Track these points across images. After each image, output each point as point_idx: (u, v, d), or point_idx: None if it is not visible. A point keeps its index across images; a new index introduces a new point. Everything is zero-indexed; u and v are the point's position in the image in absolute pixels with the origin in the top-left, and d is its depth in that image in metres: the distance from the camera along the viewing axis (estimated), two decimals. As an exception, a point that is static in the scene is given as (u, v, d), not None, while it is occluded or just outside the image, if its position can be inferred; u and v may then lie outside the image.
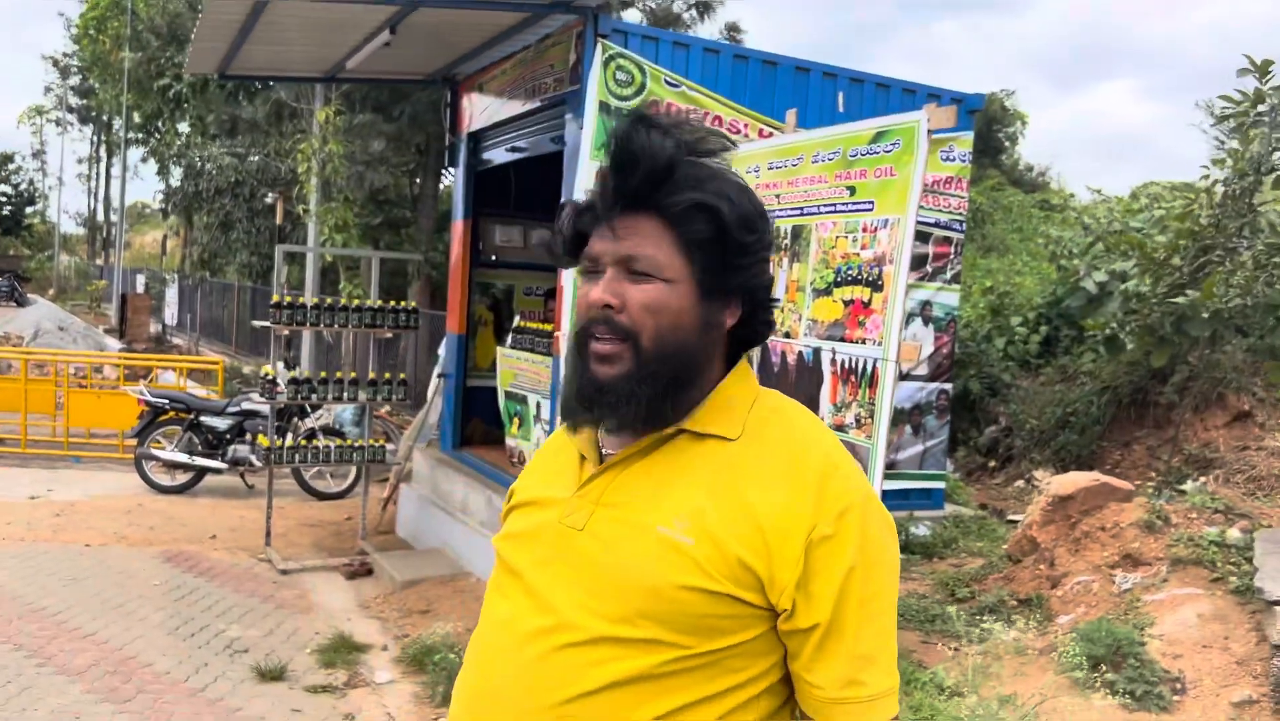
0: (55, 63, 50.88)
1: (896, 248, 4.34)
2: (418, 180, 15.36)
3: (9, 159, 60.25)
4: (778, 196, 5.04)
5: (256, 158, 16.64)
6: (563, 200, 1.39)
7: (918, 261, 6.68)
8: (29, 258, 54.75)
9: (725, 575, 1.21)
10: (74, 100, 51.80)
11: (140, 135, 25.33)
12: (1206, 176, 7.05)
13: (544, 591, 1.29)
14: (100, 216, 56.86)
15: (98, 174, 56.47)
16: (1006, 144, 35.39)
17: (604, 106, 5.89)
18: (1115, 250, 7.94)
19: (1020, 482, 8.57)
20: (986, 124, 33.49)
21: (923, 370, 6.88)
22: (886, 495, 6.96)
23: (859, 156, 4.61)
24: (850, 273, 4.59)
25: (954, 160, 6.86)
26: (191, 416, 9.37)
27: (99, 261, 50.99)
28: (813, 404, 4.62)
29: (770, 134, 6.09)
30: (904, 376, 6.83)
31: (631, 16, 16.44)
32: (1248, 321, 7.14)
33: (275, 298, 7.27)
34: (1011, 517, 7.35)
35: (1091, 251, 8.13)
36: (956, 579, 5.73)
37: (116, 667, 5.16)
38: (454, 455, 8.03)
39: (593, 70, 5.86)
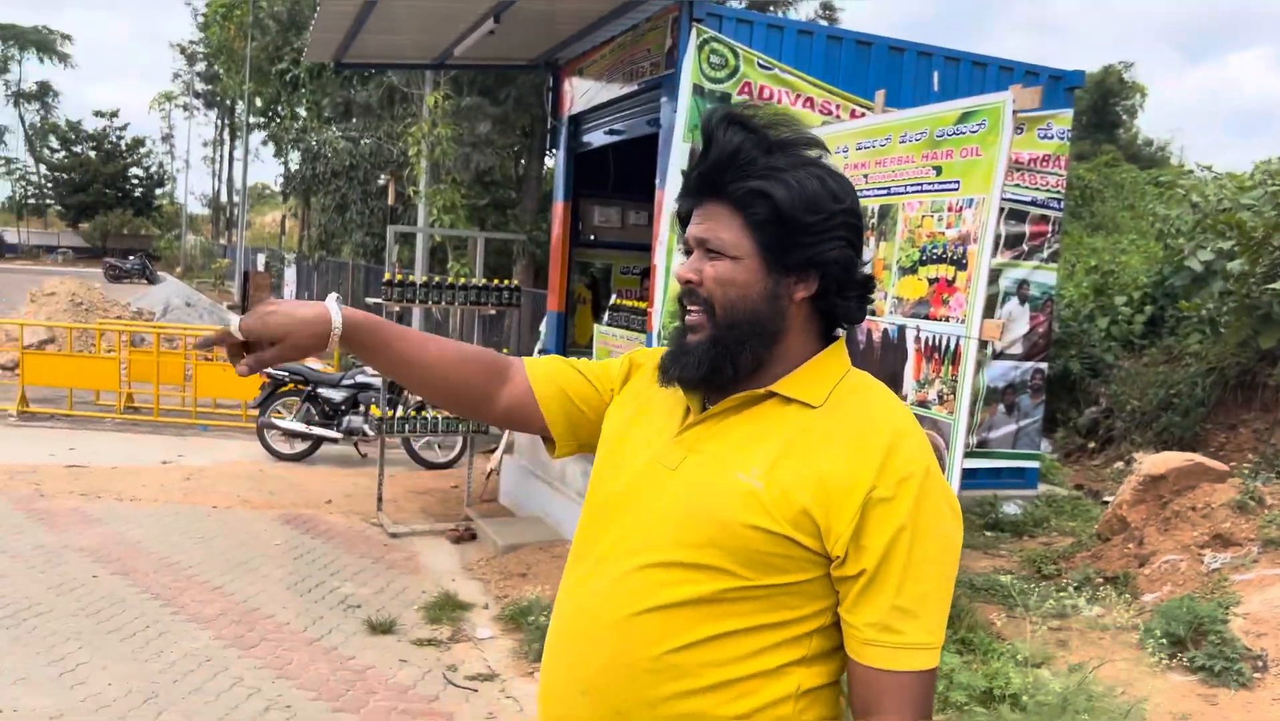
0: (182, 50, 53.04)
1: (981, 227, 4.42)
2: (522, 161, 15.72)
3: (140, 143, 63.29)
4: (865, 176, 5.14)
5: (369, 141, 17.22)
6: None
7: (1014, 240, 6.68)
8: (158, 237, 57.49)
9: (787, 520, 1.37)
10: (200, 86, 53.95)
11: (261, 120, 26.35)
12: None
13: (631, 520, 1.49)
14: (223, 197, 59.24)
15: (221, 157, 58.87)
16: (1124, 118, 34.23)
17: (698, 90, 6.05)
18: (1216, 230, 7.78)
19: (1120, 464, 8.47)
20: (1103, 97, 32.49)
21: (1017, 349, 6.88)
22: (976, 472, 7.01)
23: (945, 137, 4.69)
24: (935, 251, 4.68)
25: (1052, 138, 6.80)
26: (309, 388, 9.88)
27: (222, 241, 53.15)
28: (896, 380, 4.74)
29: (862, 114, 6.17)
30: (998, 355, 6.85)
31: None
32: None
33: (387, 276, 7.63)
34: (1106, 499, 7.30)
35: (1198, 230, 7.95)
36: (1044, 556, 5.77)
37: (241, 618, 5.59)
38: (554, 428, 8.31)
39: (687, 54, 6.02)
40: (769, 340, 1.47)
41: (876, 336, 4.99)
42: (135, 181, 63.14)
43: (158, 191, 65.35)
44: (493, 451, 9.14)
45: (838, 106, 6.35)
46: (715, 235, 1.45)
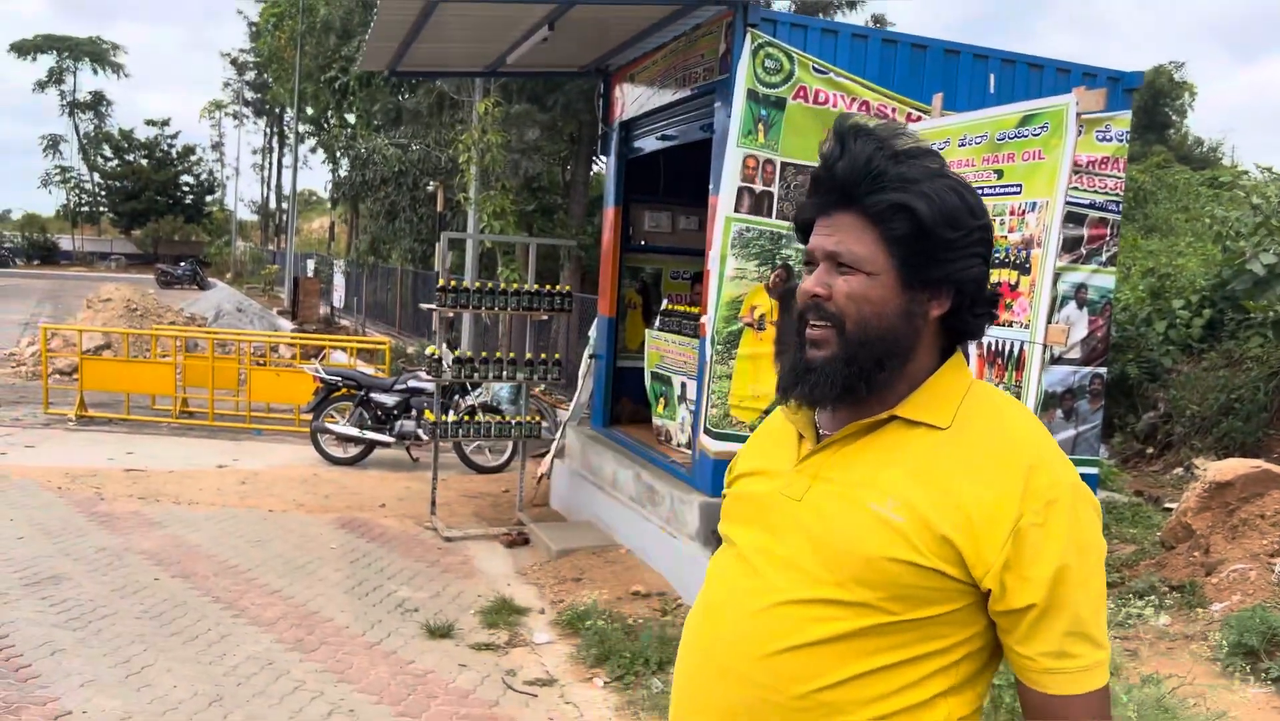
0: (233, 60, 53.84)
1: (1044, 231, 4.36)
2: (569, 167, 15.78)
3: (191, 151, 64.47)
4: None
5: (418, 148, 17.36)
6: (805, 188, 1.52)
7: (1072, 244, 6.59)
8: (208, 243, 58.44)
9: (933, 551, 1.32)
10: (249, 95, 54.75)
11: (311, 128, 26.69)
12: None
13: (765, 554, 1.44)
14: (272, 204, 60.03)
15: (270, 164, 59.66)
16: (1174, 118, 33.69)
17: (752, 94, 6.03)
18: (1282, 231, 7.64)
19: (1179, 470, 8.32)
20: (1153, 98, 31.99)
21: (1075, 354, 6.78)
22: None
23: (1006, 140, 4.64)
24: (997, 256, 4.63)
25: (1111, 140, 6.70)
26: (362, 393, 9.98)
27: (271, 247, 53.86)
28: (957, 386, 4.68)
29: (918, 118, 6.12)
30: (1055, 360, 6.76)
31: (780, 4, 16.44)
32: None
33: (441, 282, 7.69)
34: (1168, 505, 7.18)
35: (1260, 232, 7.80)
36: (1108, 564, 5.68)
37: (301, 621, 5.65)
38: (604, 432, 8.35)
39: (742, 59, 6.00)
40: (902, 359, 1.42)
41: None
42: (186, 189, 64.31)
43: (208, 198, 66.52)
44: (544, 456, 9.17)
45: (893, 110, 6.30)
46: (849, 249, 1.40)
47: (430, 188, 16.88)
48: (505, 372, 7.83)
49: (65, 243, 62.27)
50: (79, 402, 11.58)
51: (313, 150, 31.84)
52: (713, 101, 6.64)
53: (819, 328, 1.42)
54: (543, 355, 8.00)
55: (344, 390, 10.05)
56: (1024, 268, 4.44)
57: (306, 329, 22.54)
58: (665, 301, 8.28)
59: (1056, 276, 6.48)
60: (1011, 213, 4.56)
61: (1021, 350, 4.39)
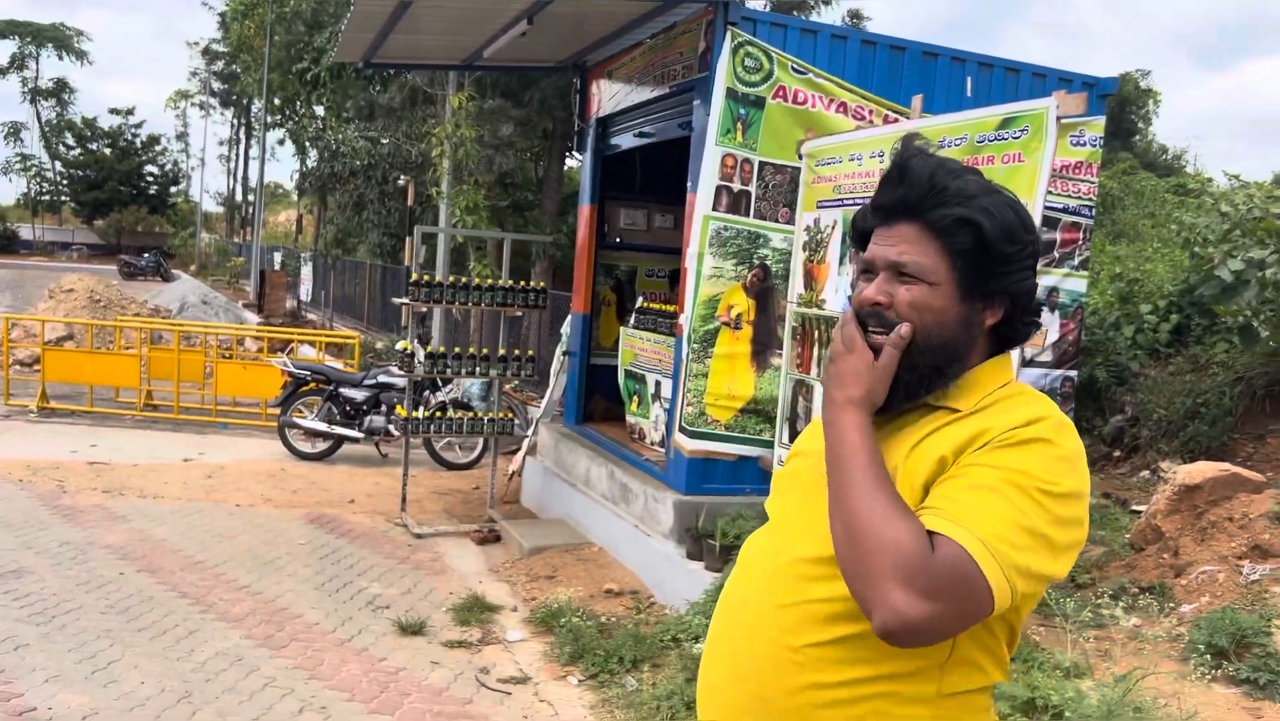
0: (203, 50, 53.14)
1: (1023, 234, 4.38)
2: (543, 163, 15.73)
3: (155, 141, 63.63)
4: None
5: (387, 141, 17.23)
6: (865, 203, 1.61)
7: (1045, 247, 6.65)
8: (173, 235, 57.67)
9: (915, 501, 1.41)
10: (216, 85, 54.10)
11: (279, 118, 26.43)
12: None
13: (793, 519, 1.58)
14: (239, 196, 59.40)
15: (237, 155, 59.00)
16: (1140, 126, 34.13)
17: (731, 93, 6.03)
18: (1253, 237, 7.71)
19: (1145, 473, 8.41)
20: (1120, 105, 32.37)
21: (1047, 357, 6.84)
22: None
23: (986, 142, 4.66)
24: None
25: (1085, 145, 6.77)
26: (331, 388, 9.89)
27: (237, 239, 53.30)
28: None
29: (896, 120, 6.14)
30: (1028, 362, 6.81)
31: (756, 2, 16.46)
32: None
33: (414, 276, 7.63)
34: (1135, 507, 7.25)
35: (1229, 238, 7.89)
36: (1078, 565, 5.73)
37: (270, 617, 5.58)
38: (577, 430, 8.32)
39: (721, 57, 6.00)
40: (961, 365, 1.50)
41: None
42: (150, 179, 63.46)
43: (172, 189, 65.68)
44: (515, 453, 9.13)
45: (871, 112, 6.32)
46: (914, 259, 1.47)
47: (401, 182, 16.76)
48: (477, 369, 7.78)
49: (25, 232, 61.17)
50: (41, 394, 11.38)
51: (281, 142, 31.53)
52: (691, 99, 6.63)
53: (879, 333, 1.49)
54: (515, 351, 7.96)
55: (312, 384, 9.96)
56: (1003, 270, 4.47)
57: (273, 322, 22.32)
58: (640, 299, 8.27)
59: (1030, 279, 6.56)
60: (991, 215, 4.58)
61: (999, 352, 4.41)
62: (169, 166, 65.32)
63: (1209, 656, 4.24)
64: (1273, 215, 7.67)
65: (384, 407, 9.80)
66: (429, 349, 7.88)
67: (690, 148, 6.58)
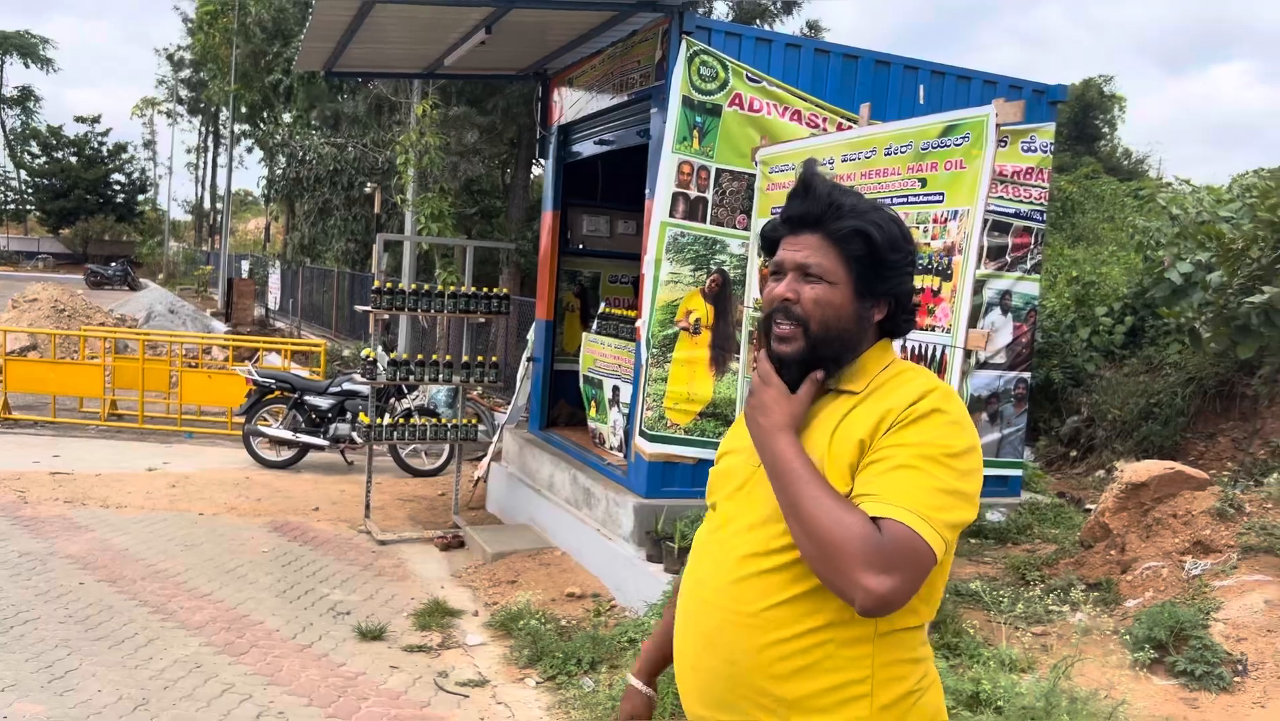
0: (170, 56, 52.71)
1: (965, 238, 4.49)
2: (509, 171, 15.77)
3: (122, 149, 62.94)
4: (851, 189, 5.20)
5: (353, 149, 17.21)
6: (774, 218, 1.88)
7: (997, 251, 6.77)
8: (140, 243, 57.18)
9: (844, 483, 1.65)
10: (184, 92, 53.69)
11: (246, 126, 26.31)
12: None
13: (737, 505, 1.80)
14: (207, 204, 58.94)
15: (205, 163, 58.55)
16: (1105, 131, 34.57)
17: (687, 101, 6.12)
18: (1194, 240, 7.90)
19: (1101, 473, 8.57)
20: (1083, 110, 32.78)
21: (1001, 359, 6.96)
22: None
23: (930, 149, 4.76)
24: (921, 262, 4.75)
25: (1035, 151, 6.89)
26: (296, 396, 9.89)
27: (205, 247, 52.90)
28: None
29: (849, 127, 6.25)
30: (981, 365, 6.93)
31: (719, 9, 16.57)
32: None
33: (377, 283, 7.66)
34: (1089, 506, 7.39)
35: (1178, 242, 8.07)
36: (1028, 563, 5.84)
37: (231, 624, 5.60)
38: (541, 436, 8.37)
39: (677, 66, 6.08)
40: (853, 353, 1.77)
41: (864, 346, 5.05)
42: (117, 187, 62.74)
43: (140, 198, 64.95)
44: (480, 459, 9.17)
45: (824, 119, 6.43)
46: (818, 262, 1.73)
47: (368, 189, 16.75)
48: (442, 375, 7.82)
49: (-11, 241, 60.49)
50: (2, 404, 11.31)
51: (249, 150, 31.36)
52: (649, 107, 6.71)
53: (786, 325, 1.75)
54: (480, 358, 8.00)
55: (277, 392, 9.95)
56: (946, 274, 4.57)
57: (241, 331, 22.22)
58: (603, 305, 8.33)
59: (981, 283, 6.66)
60: (935, 220, 4.68)
61: (943, 354, 4.51)
62: (136, 175, 64.59)
63: (1148, 649, 4.35)
64: (1220, 219, 7.86)
65: (349, 415, 9.81)
66: (393, 355, 7.91)
67: (649, 155, 6.65)
